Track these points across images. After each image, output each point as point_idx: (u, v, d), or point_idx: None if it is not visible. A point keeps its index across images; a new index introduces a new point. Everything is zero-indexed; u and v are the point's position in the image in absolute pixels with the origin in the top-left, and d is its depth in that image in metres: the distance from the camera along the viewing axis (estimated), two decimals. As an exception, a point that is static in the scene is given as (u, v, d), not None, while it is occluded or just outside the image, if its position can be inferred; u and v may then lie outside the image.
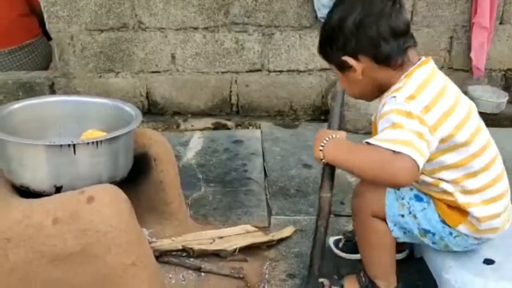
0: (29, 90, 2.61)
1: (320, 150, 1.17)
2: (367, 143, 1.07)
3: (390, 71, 1.14)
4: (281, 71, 2.64)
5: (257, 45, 2.58)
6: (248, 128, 2.66)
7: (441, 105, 1.10)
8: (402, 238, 1.30)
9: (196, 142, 2.46)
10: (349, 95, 1.27)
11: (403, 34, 1.12)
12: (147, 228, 1.50)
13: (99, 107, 1.46)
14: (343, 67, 1.16)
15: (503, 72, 2.63)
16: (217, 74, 2.64)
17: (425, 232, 1.26)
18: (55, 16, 2.48)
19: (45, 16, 2.49)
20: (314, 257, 1.24)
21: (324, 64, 1.20)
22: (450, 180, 1.17)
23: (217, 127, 2.65)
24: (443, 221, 1.23)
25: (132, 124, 1.30)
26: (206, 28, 2.54)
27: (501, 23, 2.51)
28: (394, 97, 1.10)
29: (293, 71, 2.64)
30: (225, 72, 2.64)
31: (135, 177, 1.46)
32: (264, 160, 2.23)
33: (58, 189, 1.18)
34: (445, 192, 1.19)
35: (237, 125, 2.68)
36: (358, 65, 1.13)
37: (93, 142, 1.18)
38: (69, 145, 1.14)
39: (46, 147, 1.14)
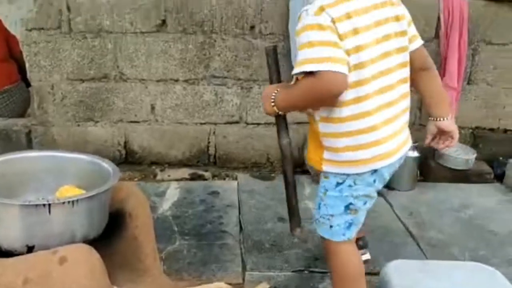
0: (5, 138, 2.59)
1: (272, 105, 1.31)
2: (293, 75, 1.23)
3: None
4: (258, 124, 2.70)
5: (235, 98, 2.64)
6: (225, 179, 2.68)
7: (353, 21, 1.20)
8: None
9: (173, 192, 2.46)
10: None
11: None
12: (119, 287, 1.47)
13: (76, 162, 1.47)
14: None
15: (471, 130, 2.74)
16: (196, 125, 2.68)
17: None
18: (37, 66, 2.51)
19: (27, 65, 2.52)
20: (290, 198, 1.41)
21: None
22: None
23: (194, 177, 2.66)
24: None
25: (109, 182, 1.31)
26: (186, 81, 2.60)
27: (468, 83, 2.65)
28: (306, 10, 1.21)
29: (270, 123, 2.69)
30: (204, 123, 2.68)
31: (110, 233, 1.46)
32: (240, 213, 2.24)
33: (30, 249, 1.17)
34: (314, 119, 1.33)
35: (214, 176, 2.70)
36: None
37: (69, 201, 1.19)
38: (44, 205, 1.14)
39: (21, 207, 1.14)
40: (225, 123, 2.69)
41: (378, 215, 2.17)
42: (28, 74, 2.55)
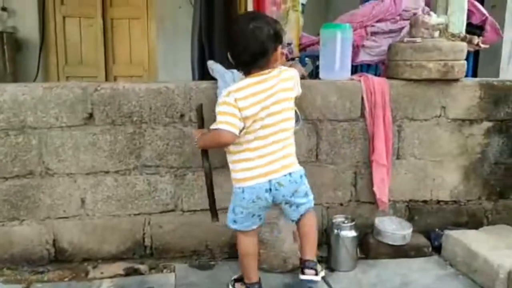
0: None
1: (195, 144, 2.18)
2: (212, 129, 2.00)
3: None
4: (195, 211, 2.63)
5: (169, 186, 2.58)
6: (162, 271, 2.55)
7: (247, 101, 1.90)
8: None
9: (105, 292, 2.31)
10: None
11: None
12: None
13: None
14: None
15: (405, 203, 2.78)
16: (129, 216, 2.59)
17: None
18: (-45, 167, 2.38)
19: None
20: (210, 199, 2.22)
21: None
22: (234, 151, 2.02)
23: (128, 273, 2.52)
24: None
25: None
26: (117, 172, 2.53)
27: (397, 158, 2.71)
28: (221, 94, 2.00)
29: (207, 210, 2.62)
30: (138, 214, 2.59)
31: None
32: (174, 313, 2.12)
33: None
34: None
35: (150, 269, 2.57)
36: None
37: None
38: None
39: None
40: (160, 212, 2.61)
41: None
42: None
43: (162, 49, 5.56)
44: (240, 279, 2.29)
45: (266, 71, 1.94)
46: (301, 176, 2.07)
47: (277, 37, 1.92)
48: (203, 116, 2.23)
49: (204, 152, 2.13)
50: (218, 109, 1.94)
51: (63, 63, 5.58)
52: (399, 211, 2.76)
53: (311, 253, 2.17)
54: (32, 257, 2.54)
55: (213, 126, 1.97)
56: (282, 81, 1.96)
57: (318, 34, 2.94)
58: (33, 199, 2.49)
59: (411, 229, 2.59)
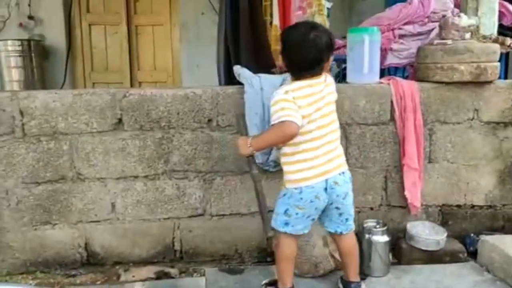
0: (-44, 248, 2.46)
1: (250, 147, 2.01)
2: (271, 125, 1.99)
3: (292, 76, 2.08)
4: (223, 215, 2.63)
5: (198, 190, 2.59)
6: (192, 275, 2.56)
7: (304, 100, 1.95)
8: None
9: (137, 296, 2.33)
10: None
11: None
12: None
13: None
14: None
15: (438, 208, 2.72)
16: (159, 220, 2.60)
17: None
18: (-10, 173, 2.43)
19: (-18, 171, 2.44)
20: (262, 210, 2.10)
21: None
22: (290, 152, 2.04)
23: (159, 276, 2.53)
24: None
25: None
26: (146, 176, 2.55)
27: (430, 162, 2.66)
28: (277, 92, 1.99)
29: (235, 214, 2.63)
30: (167, 218, 2.60)
31: None
32: (206, 317, 2.11)
33: None
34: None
35: (181, 272, 2.57)
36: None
37: None
38: None
39: None
40: (189, 217, 2.61)
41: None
42: (-19, 181, 2.46)
43: (185, 55, 5.60)
44: (271, 283, 2.28)
45: (315, 76, 2.01)
46: (350, 178, 2.12)
47: (331, 47, 2.00)
48: (246, 123, 2.20)
49: (251, 159, 2.09)
50: (277, 106, 1.93)
51: (89, 69, 5.66)
52: (432, 215, 2.70)
53: (356, 274, 2.21)
54: (65, 260, 2.57)
55: (273, 122, 1.95)
56: (327, 86, 2.04)
57: (343, 38, 2.93)
58: (65, 204, 2.52)
59: (445, 234, 2.53)
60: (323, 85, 2.03)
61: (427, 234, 2.53)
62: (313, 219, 2.10)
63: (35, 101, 2.41)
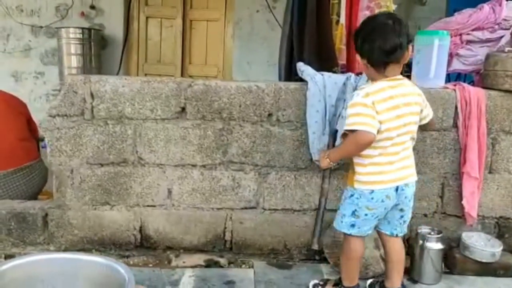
0: (22, 221, 2.59)
1: (327, 159, 2.08)
2: (344, 132, 2.01)
3: (373, 71, 1.97)
4: (275, 209, 2.65)
5: (253, 183, 2.62)
6: (241, 266, 2.60)
7: (384, 105, 1.91)
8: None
9: (187, 281, 2.39)
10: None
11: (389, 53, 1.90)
12: None
13: (91, 265, 1.43)
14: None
15: (495, 220, 2.65)
16: (212, 210, 2.65)
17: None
18: (58, 151, 2.54)
19: (48, 149, 2.56)
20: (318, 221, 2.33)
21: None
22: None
23: (209, 264, 2.59)
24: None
25: (123, 291, 1.26)
26: (204, 166, 2.61)
27: (490, 172, 2.60)
28: (358, 93, 1.95)
29: (287, 210, 2.65)
30: (220, 208, 2.65)
31: None
32: (256, 308, 2.15)
33: None
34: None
35: (229, 263, 2.62)
36: (361, 61, 2.00)
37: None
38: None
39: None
40: (241, 209, 2.65)
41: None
42: (49, 159, 2.59)
43: (237, 52, 5.67)
44: (322, 284, 2.29)
45: (399, 76, 1.98)
46: (416, 181, 2.12)
47: (409, 36, 1.94)
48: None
49: (327, 172, 2.14)
50: (354, 109, 1.90)
51: (143, 61, 5.82)
52: (488, 227, 2.64)
53: (399, 282, 2.19)
54: (120, 241, 2.66)
55: (346, 128, 1.94)
56: (414, 95, 2.02)
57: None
58: (124, 186, 2.61)
59: (501, 247, 2.47)
60: (408, 89, 1.99)
61: (483, 245, 2.48)
62: (379, 220, 2.10)
63: (106, 85, 2.51)
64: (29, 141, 3.07)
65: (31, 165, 2.98)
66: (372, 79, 2.01)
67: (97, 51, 5.34)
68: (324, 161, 2.09)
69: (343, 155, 2.08)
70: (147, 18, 5.75)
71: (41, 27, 5.53)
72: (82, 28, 5.22)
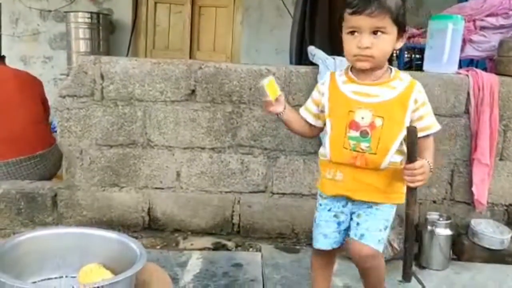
0: (31, 201, 2.60)
1: (430, 172, 1.55)
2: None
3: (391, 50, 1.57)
4: (284, 194, 2.65)
5: (261, 167, 2.62)
6: (248, 249, 2.61)
7: None
8: None
9: (195, 263, 2.39)
10: (369, 54, 1.51)
11: None
12: None
13: (103, 240, 1.43)
14: (386, 31, 1.49)
15: (505, 207, 2.64)
16: (221, 193, 2.65)
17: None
18: (68, 131, 2.55)
19: (58, 130, 2.56)
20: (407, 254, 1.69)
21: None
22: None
23: (216, 247, 2.60)
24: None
25: (136, 265, 1.27)
26: (212, 149, 2.61)
27: (501, 159, 2.58)
28: (420, 85, 1.64)
29: (296, 194, 2.65)
30: (229, 192, 2.65)
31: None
32: (264, 290, 2.15)
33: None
34: None
35: (237, 246, 2.63)
36: (394, 33, 1.51)
37: (93, 288, 1.15)
38: (68, 292, 1.10)
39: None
40: (250, 192, 2.65)
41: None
42: (59, 139, 2.59)
43: (245, 39, 5.65)
44: None
45: None
46: None
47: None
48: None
49: (416, 192, 1.60)
50: (430, 106, 1.62)
51: (151, 47, 5.81)
52: (497, 214, 2.63)
53: None
54: (128, 222, 2.67)
55: (437, 128, 1.62)
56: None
57: (417, 27, 2.87)
58: (133, 168, 2.62)
59: (510, 234, 2.46)
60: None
61: (492, 232, 2.47)
62: None
63: (116, 66, 2.50)
64: (43, 124, 3.04)
65: (43, 153, 2.94)
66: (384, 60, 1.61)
67: (106, 36, 5.34)
68: (428, 173, 1.55)
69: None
70: (155, 3, 5.74)
71: (50, 11, 5.54)
72: (91, 13, 5.21)
